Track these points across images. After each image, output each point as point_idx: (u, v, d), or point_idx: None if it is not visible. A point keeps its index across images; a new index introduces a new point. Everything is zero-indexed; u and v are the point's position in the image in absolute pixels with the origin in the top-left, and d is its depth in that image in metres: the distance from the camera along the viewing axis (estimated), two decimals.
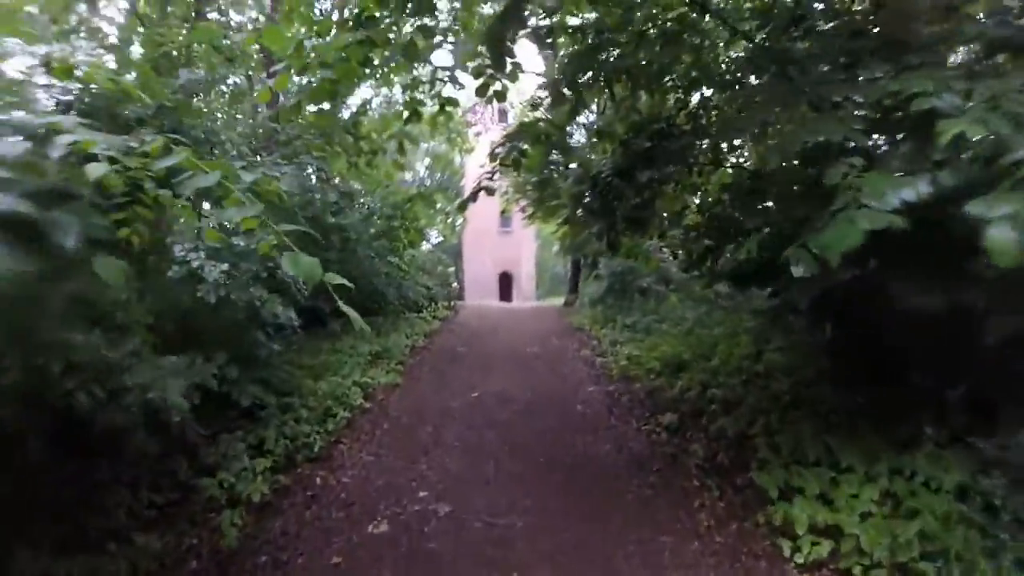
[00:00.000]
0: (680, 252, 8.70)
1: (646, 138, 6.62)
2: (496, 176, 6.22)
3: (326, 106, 6.94)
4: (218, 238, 6.41)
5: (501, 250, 35.63)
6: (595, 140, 6.42)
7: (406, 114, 5.95)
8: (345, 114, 18.23)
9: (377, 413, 8.34)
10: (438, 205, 29.60)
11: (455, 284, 35.96)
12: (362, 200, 13.14)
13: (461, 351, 12.57)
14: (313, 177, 12.78)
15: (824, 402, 6.60)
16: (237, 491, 5.85)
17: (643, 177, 6.50)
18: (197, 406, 6.15)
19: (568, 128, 6.68)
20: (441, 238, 37.52)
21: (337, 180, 13.64)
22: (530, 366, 11.01)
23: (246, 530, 5.51)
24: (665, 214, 7.67)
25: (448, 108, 6.15)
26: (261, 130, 12.70)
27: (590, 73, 5.98)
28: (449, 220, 32.91)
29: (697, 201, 8.07)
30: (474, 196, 5.98)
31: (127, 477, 5.55)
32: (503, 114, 28.77)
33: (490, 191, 5.95)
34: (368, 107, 17.50)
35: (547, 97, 6.53)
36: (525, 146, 6.25)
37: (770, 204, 6.78)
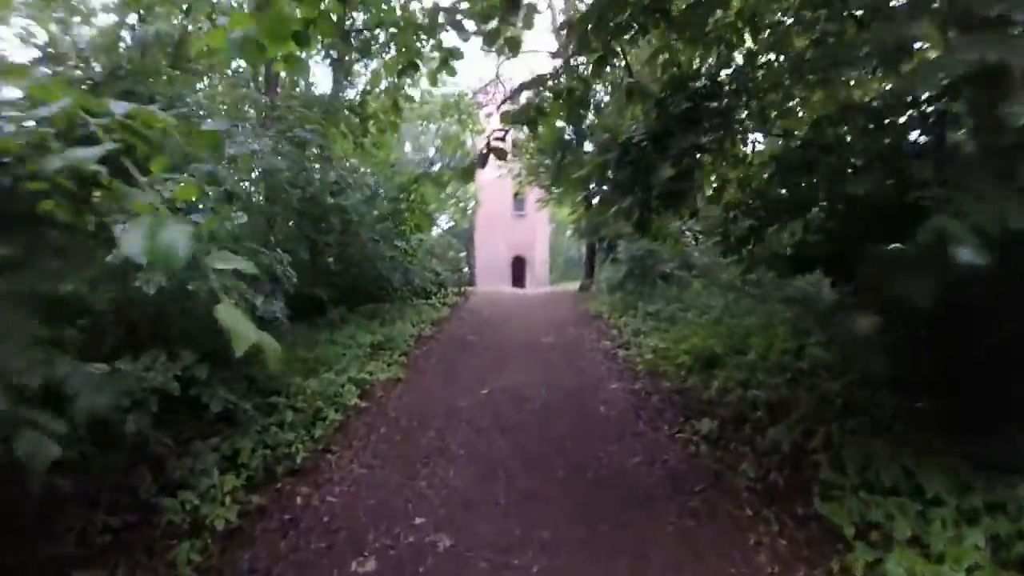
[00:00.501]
0: (715, 233, 7.58)
1: (686, 97, 5.53)
2: (507, 137, 5.13)
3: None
4: (194, 192, 5.38)
5: (514, 234, 34.53)
6: (626, 100, 5.29)
7: (400, 65, 4.82)
8: (350, 93, 17.22)
9: (374, 414, 7.34)
10: (448, 190, 28.53)
11: (466, 269, 34.97)
12: (366, 181, 12.07)
13: (471, 340, 11.55)
14: (314, 154, 11.78)
15: (881, 408, 5.59)
16: (202, 514, 4.89)
17: (683, 143, 5.40)
18: (159, 412, 5.34)
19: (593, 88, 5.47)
20: (452, 222, 36.46)
21: (346, 162, 12.65)
22: (545, 358, 9.97)
23: (209, 562, 4.55)
24: (703, 189, 6.55)
25: (451, 62, 5.06)
26: (252, 106, 11.72)
27: (623, 14, 4.86)
28: (460, 204, 31.81)
29: (737, 175, 6.95)
30: (483, 160, 4.89)
31: (85, 495, 4.71)
32: (514, 95, 27.63)
33: (501, 154, 4.86)
34: (376, 86, 16.47)
35: (569, 44, 5.35)
36: (544, 103, 5.13)
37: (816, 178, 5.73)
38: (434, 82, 5.68)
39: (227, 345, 1.71)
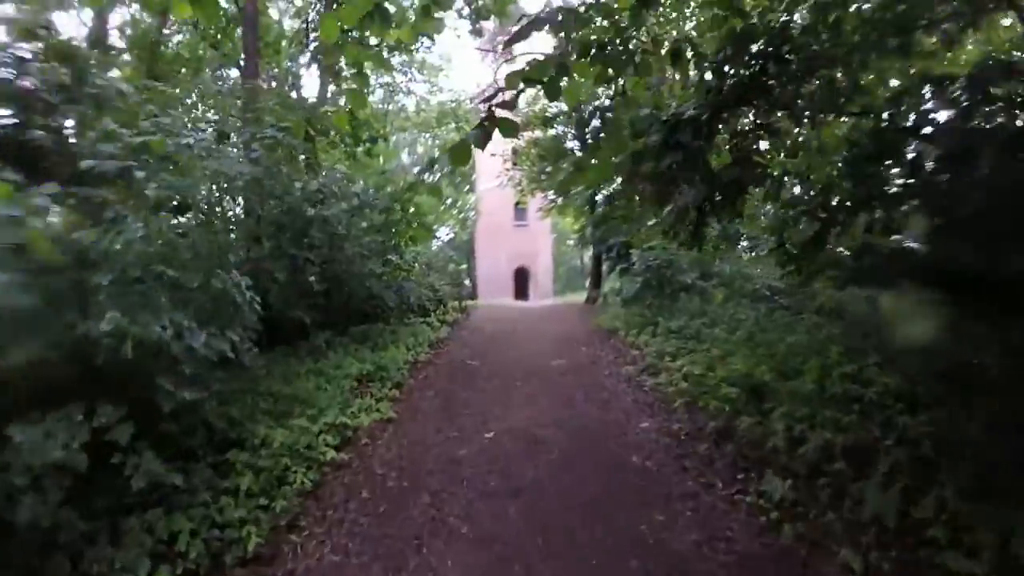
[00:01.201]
0: (769, 238, 6.19)
1: (746, 62, 4.12)
2: (512, 97, 3.69)
3: None
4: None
5: (516, 245, 33.07)
6: (671, 63, 3.89)
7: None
8: (341, 101, 15.84)
9: (355, 471, 5.88)
10: (447, 199, 27.08)
11: (467, 282, 33.59)
12: (353, 190, 10.64)
13: (473, 366, 10.11)
14: (293, 159, 10.40)
15: (986, 455, 4.22)
16: None
17: (744, 121, 4.00)
18: (78, 484, 4.11)
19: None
20: (452, 234, 35.05)
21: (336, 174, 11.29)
22: (559, 387, 8.52)
23: None
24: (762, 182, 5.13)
25: (435, 13, 3.64)
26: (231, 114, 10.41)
27: None
28: (460, 214, 30.39)
29: (802, 163, 5.52)
30: (485, 136, 3.44)
31: None
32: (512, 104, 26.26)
33: (508, 127, 3.42)
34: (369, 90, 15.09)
35: None
36: (567, 57, 3.69)
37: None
38: (410, 37, 4.28)
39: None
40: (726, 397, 6.79)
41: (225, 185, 7.69)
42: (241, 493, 5.02)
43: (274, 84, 16.06)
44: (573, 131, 20.97)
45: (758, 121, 4.20)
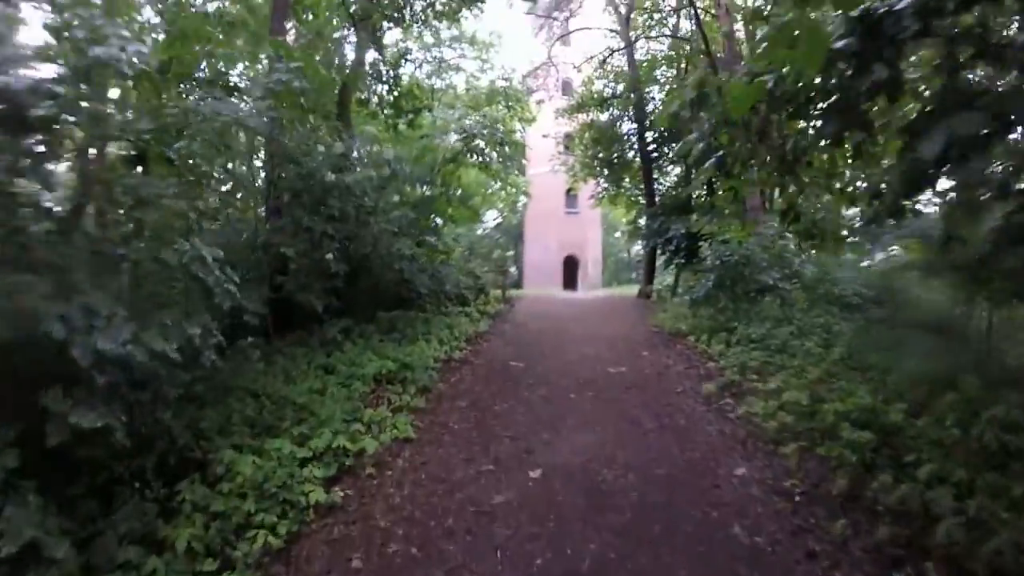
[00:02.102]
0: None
1: None
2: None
3: None
4: None
5: (566, 233, 31.17)
6: None
7: None
8: (382, 67, 14.22)
9: (349, 520, 4.24)
10: (496, 183, 25.45)
11: (513, 270, 31.95)
12: (385, 157, 9.00)
13: (516, 369, 8.43)
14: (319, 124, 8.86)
15: None
16: None
17: None
18: None
19: None
20: (500, 218, 33.38)
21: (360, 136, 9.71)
22: (621, 405, 6.78)
23: None
24: None
25: None
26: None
27: None
28: (509, 197, 28.62)
29: None
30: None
31: None
32: (567, 86, 24.39)
33: None
34: (406, 56, 13.46)
35: None
36: None
37: None
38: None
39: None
40: (852, 443, 4.95)
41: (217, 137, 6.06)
42: (179, 553, 3.45)
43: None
44: (631, 113, 19.04)
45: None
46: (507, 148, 11.18)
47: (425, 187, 10.42)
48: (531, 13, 22.16)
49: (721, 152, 4.83)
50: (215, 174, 6.92)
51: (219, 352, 4.78)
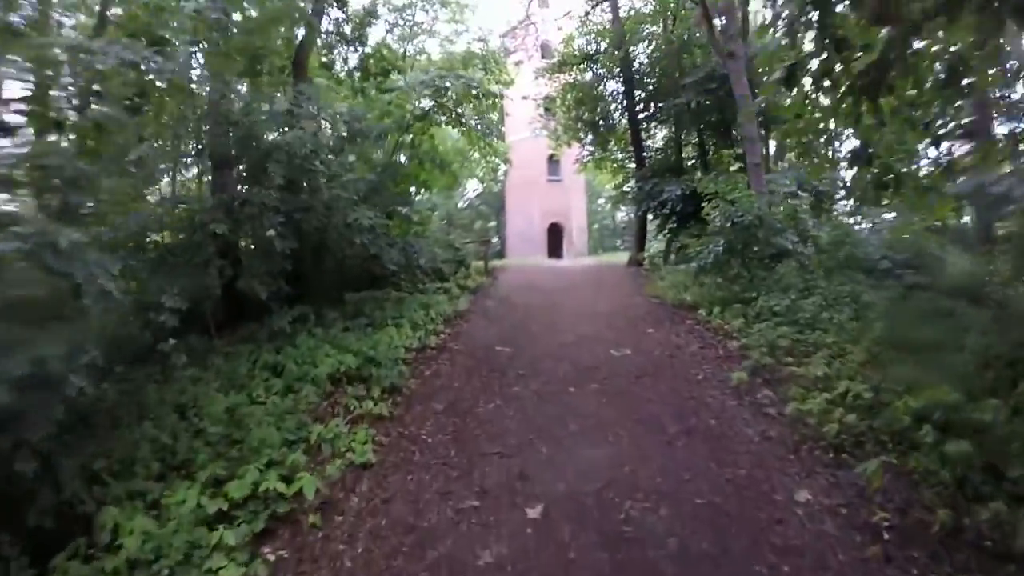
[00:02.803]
0: None
1: None
2: None
3: None
4: None
5: (549, 200, 29.59)
6: None
7: None
8: (347, 28, 12.52)
9: None
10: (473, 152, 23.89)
11: (495, 240, 30.48)
12: (337, 111, 7.52)
13: (501, 356, 7.12)
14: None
15: None
16: None
17: None
18: None
19: None
20: (480, 187, 31.80)
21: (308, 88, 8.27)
22: (633, 402, 5.51)
23: None
24: None
25: None
26: None
27: None
28: (489, 164, 27.06)
29: None
30: None
31: None
32: (545, 48, 22.61)
33: None
34: (373, 15, 11.85)
35: None
36: None
37: None
38: None
39: None
40: (943, 454, 3.73)
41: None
42: None
43: None
44: (617, 71, 17.51)
45: None
46: (483, 101, 9.70)
47: (393, 150, 9.00)
48: None
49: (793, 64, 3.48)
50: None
51: (101, 372, 3.45)
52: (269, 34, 7.00)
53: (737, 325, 7.50)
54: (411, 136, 9.16)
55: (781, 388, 5.44)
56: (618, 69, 17.27)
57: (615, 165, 20.36)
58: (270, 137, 6.29)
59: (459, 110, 9.02)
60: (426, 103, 8.90)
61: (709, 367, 6.40)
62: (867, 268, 8.42)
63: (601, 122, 18.71)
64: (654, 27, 16.73)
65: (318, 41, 12.42)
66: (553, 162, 28.71)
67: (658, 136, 18.78)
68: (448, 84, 8.90)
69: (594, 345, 7.42)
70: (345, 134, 7.43)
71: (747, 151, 11.51)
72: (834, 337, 6.47)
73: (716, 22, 13.02)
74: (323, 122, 7.89)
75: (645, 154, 17.71)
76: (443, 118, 9.43)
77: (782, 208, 9.56)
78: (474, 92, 9.17)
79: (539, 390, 5.85)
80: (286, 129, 6.70)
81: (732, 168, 11.69)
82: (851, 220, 11.15)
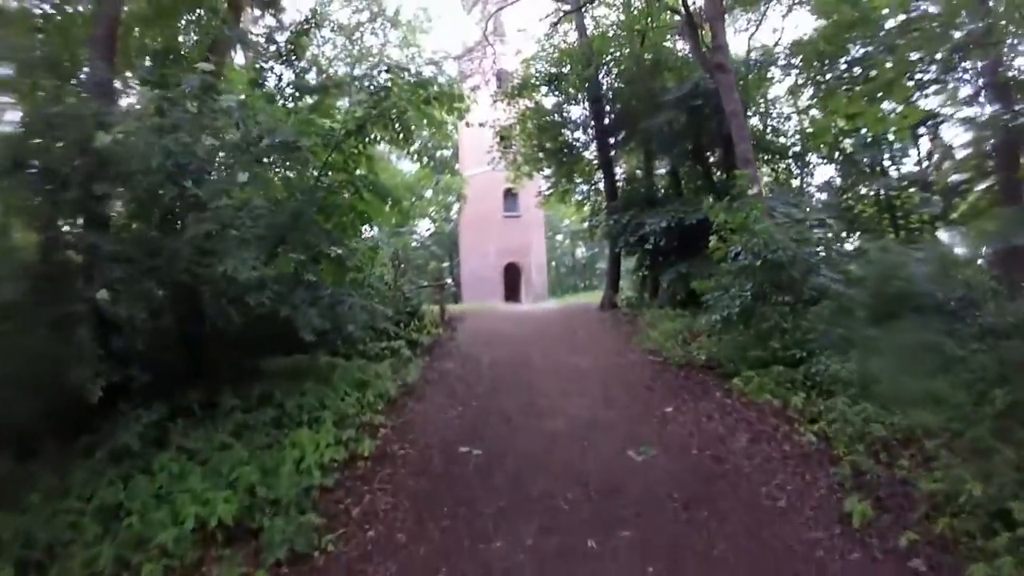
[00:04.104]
0: None
1: None
2: None
3: None
4: None
5: (506, 238, 27.20)
6: None
7: None
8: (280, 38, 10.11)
9: None
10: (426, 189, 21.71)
11: (449, 281, 28.04)
12: (221, 106, 5.07)
13: (467, 467, 4.74)
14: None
15: None
16: None
17: None
18: None
19: None
20: (432, 226, 29.34)
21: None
22: (701, 568, 3.20)
23: None
24: None
25: None
26: None
27: None
28: (442, 201, 24.81)
29: None
30: None
31: None
32: (502, 76, 20.35)
33: None
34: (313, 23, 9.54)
35: None
36: None
37: None
38: None
39: None
40: None
41: None
42: None
43: None
44: (584, 93, 15.52)
45: None
46: (438, 108, 7.42)
47: (319, 173, 6.62)
48: None
49: None
50: None
51: None
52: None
53: (797, 402, 5.30)
54: (343, 155, 6.83)
55: (911, 516, 3.22)
56: (585, 91, 15.30)
57: (580, 198, 18.35)
58: (105, 140, 3.86)
59: (406, 115, 6.75)
60: (363, 112, 6.62)
61: (787, 480, 4.15)
62: (921, 307, 6.38)
63: (565, 151, 16.69)
64: (623, 48, 14.82)
65: (238, 51, 10.05)
66: (510, 196, 26.53)
67: (629, 163, 16.87)
68: (389, 83, 6.63)
69: (598, 438, 5.11)
70: (235, 140, 5.04)
71: None
72: (936, 415, 4.41)
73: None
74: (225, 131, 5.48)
75: (616, 183, 15.73)
76: (383, 137, 7.12)
77: (805, 238, 7.51)
78: (424, 95, 6.90)
79: (538, 548, 3.48)
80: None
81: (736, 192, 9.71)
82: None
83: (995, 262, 7.10)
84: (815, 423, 4.91)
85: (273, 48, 8.91)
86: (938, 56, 8.99)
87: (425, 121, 7.44)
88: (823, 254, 7.60)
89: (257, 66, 8.87)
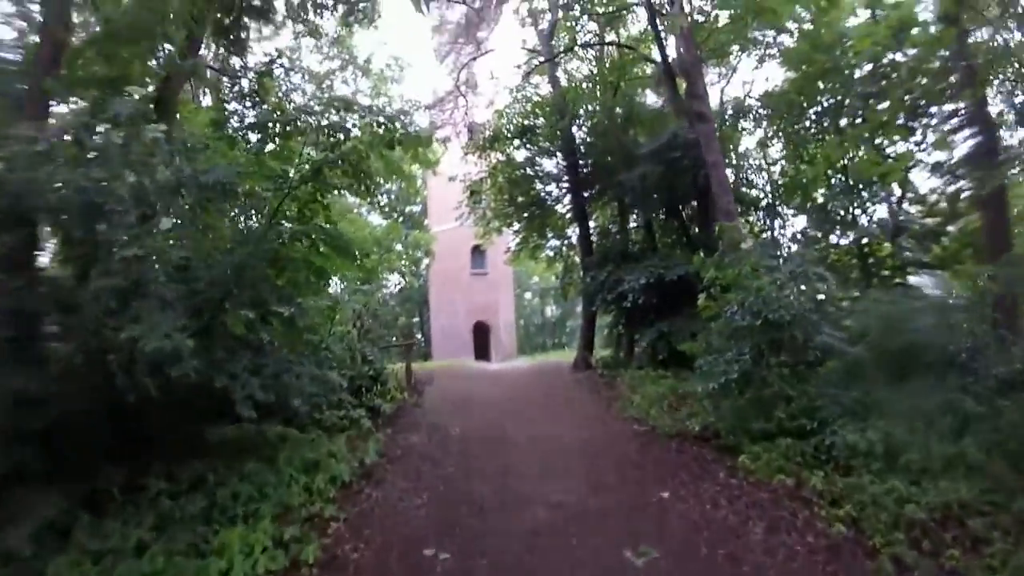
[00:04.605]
0: None
1: None
2: None
3: None
4: None
5: (475, 296, 26.48)
6: None
7: None
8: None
9: None
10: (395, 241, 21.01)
11: (419, 336, 27.04)
12: (150, 136, 4.32)
13: (430, 568, 3.90)
14: None
15: None
16: None
17: None
18: None
19: None
20: (401, 283, 28.51)
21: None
22: None
23: None
24: None
25: None
26: None
27: None
28: (410, 256, 24.09)
29: None
30: None
31: None
32: (472, 129, 19.94)
33: None
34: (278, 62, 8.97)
35: None
36: None
37: None
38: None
39: None
40: None
41: None
42: None
43: None
44: (557, 144, 15.11)
45: None
46: (399, 152, 6.77)
47: (269, 223, 5.85)
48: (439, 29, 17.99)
49: None
50: None
51: None
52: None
53: (815, 482, 4.58)
54: (298, 203, 6.09)
55: None
56: (559, 143, 14.90)
57: (552, 254, 17.82)
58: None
59: (366, 168, 6.03)
60: (320, 155, 5.90)
61: None
62: (932, 362, 5.77)
63: (536, 205, 16.20)
64: (595, 100, 14.51)
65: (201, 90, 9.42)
66: (478, 254, 25.98)
67: (602, 217, 16.45)
68: (350, 123, 5.95)
69: (588, 535, 4.31)
70: (181, 187, 4.27)
71: None
72: (972, 485, 3.77)
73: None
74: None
75: (591, 238, 15.23)
76: (342, 185, 6.38)
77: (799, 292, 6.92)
78: (387, 137, 6.21)
79: None
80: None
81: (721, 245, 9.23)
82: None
83: (997, 308, 6.61)
84: (839, 506, 4.20)
85: (236, 89, 8.30)
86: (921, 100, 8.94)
87: (388, 169, 6.79)
88: (825, 310, 7.01)
89: (219, 107, 8.24)
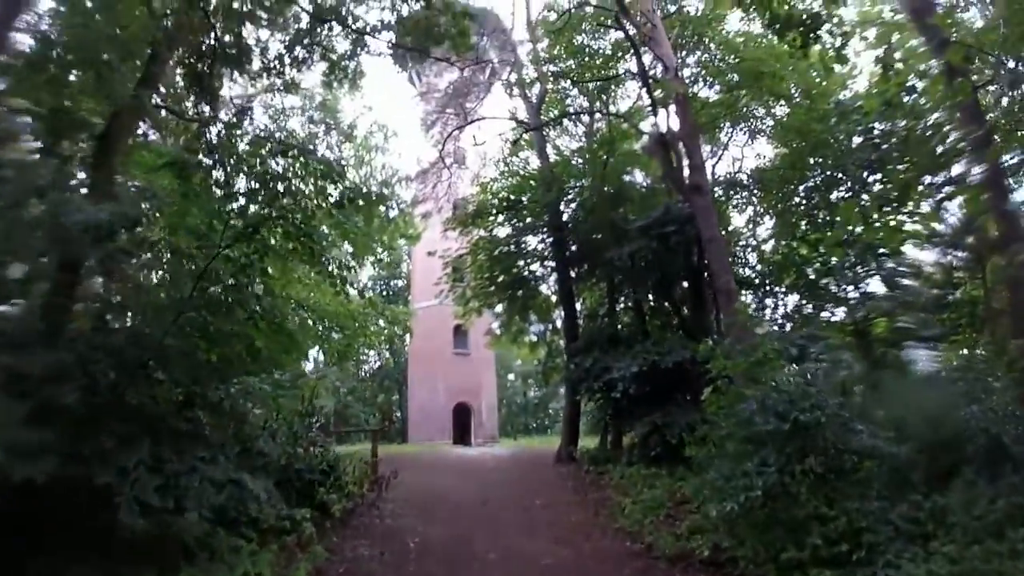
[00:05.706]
0: None
1: None
2: None
3: None
4: None
5: (456, 377, 25.11)
6: None
7: None
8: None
9: None
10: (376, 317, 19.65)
11: (394, 418, 25.56)
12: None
13: None
14: None
15: None
16: None
17: None
18: None
19: None
20: (378, 361, 27.18)
21: None
22: None
23: None
24: None
25: None
26: None
27: None
28: (389, 333, 22.75)
29: None
30: None
31: None
32: (457, 205, 19.12)
33: None
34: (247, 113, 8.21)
35: None
36: None
37: None
38: None
39: None
40: None
41: None
42: None
43: None
44: (544, 220, 14.32)
45: None
46: (351, 211, 5.76)
47: (194, 286, 4.78)
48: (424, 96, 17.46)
49: None
50: None
51: None
52: None
53: None
54: (232, 265, 5.03)
55: None
56: (545, 218, 14.13)
57: (535, 338, 16.78)
58: None
59: (313, 229, 4.98)
60: (256, 210, 4.88)
61: None
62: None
63: (520, 285, 15.27)
64: (585, 176, 13.86)
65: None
66: (460, 333, 24.84)
67: (590, 298, 15.52)
68: (290, 172, 4.98)
69: None
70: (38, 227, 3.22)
71: (722, 306, 8.38)
72: None
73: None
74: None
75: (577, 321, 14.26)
76: (286, 247, 5.30)
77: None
78: (339, 195, 5.22)
79: None
80: None
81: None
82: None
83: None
84: None
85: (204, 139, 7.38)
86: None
87: (343, 235, 5.80)
88: (852, 402, 5.91)
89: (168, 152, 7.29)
